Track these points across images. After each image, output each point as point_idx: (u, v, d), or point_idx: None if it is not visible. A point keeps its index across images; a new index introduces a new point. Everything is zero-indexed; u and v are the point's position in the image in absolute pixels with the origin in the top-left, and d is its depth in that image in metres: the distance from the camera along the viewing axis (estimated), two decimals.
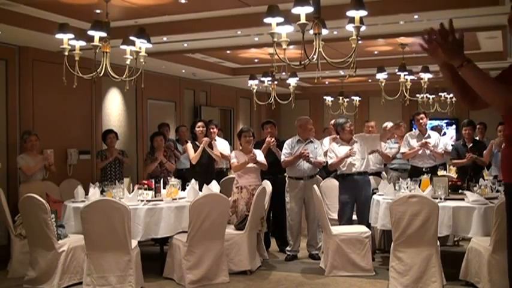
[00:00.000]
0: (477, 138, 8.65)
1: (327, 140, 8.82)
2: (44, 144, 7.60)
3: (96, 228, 5.43)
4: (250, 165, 6.85)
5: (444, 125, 14.31)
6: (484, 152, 7.69)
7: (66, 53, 5.53)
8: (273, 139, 7.54)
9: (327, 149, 7.42)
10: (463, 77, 2.63)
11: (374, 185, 7.31)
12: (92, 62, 5.71)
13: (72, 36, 5.55)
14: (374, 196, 6.61)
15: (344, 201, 6.96)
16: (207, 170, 7.76)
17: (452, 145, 8.22)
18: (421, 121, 7.83)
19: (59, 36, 5.56)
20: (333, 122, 9.20)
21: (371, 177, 7.38)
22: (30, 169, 7.13)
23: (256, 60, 10.85)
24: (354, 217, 7.04)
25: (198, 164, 7.71)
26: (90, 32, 5.45)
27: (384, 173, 8.61)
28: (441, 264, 5.46)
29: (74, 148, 8.76)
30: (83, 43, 5.73)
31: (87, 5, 6.34)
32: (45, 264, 5.74)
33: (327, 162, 7.19)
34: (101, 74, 5.73)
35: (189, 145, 7.88)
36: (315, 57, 4.07)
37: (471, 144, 7.67)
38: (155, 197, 6.43)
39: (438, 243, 5.54)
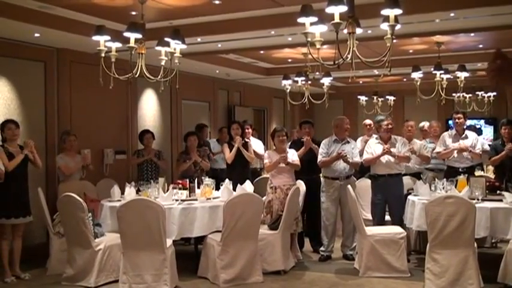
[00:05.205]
0: None
1: (358, 142, 8.75)
2: (81, 144, 7.74)
3: (132, 227, 5.50)
4: (283, 165, 6.78)
5: (482, 124, 14.03)
6: None
7: (103, 55, 5.59)
8: (308, 138, 7.49)
9: (361, 149, 7.36)
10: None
11: (411, 185, 7.18)
12: (127, 63, 5.77)
13: (108, 38, 5.62)
14: (409, 197, 6.52)
15: (375, 201, 6.92)
16: (242, 169, 7.81)
17: (489, 145, 8.04)
18: (457, 121, 7.66)
19: (95, 38, 5.64)
20: (367, 121, 9.14)
21: (408, 177, 7.29)
22: (69, 169, 7.23)
23: (289, 60, 10.83)
24: (388, 217, 6.97)
25: (234, 163, 7.76)
26: (126, 34, 5.50)
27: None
28: (478, 266, 5.37)
29: (110, 148, 8.90)
30: (118, 45, 5.78)
31: (122, 7, 6.43)
32: (83, 262, 5.85)
33: (361, 163, 7.13)
34: (137, 75, 5.80)
35: (225, 145, 7.95)
36: (349, 56, 4.04)
37: (510, 144, 7.48)
38: (189, 196, 6.48)
39: (475, 244, 5.44)
